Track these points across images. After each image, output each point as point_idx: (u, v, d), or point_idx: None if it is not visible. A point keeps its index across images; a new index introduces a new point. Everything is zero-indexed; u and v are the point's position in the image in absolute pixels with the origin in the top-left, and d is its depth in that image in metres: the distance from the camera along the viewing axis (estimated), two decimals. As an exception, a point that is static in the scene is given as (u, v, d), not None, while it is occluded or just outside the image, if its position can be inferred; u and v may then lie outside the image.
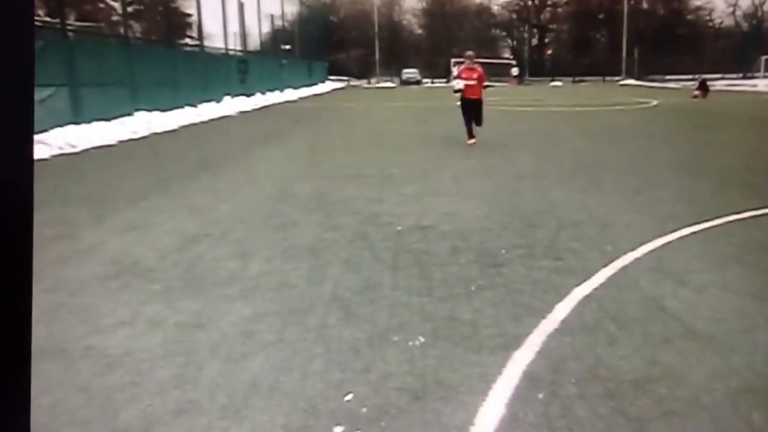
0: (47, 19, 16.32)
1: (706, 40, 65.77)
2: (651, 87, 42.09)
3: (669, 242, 5.03)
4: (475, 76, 11.53)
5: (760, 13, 66.97)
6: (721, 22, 69.08)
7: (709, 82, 28.65)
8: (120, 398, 2.73)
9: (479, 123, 11.70)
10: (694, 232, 5.31)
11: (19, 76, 0.62)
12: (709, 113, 19.82)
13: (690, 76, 43.21)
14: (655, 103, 24.69)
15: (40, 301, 3.84)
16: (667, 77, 51.32)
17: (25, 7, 0.62)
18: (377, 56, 65.24)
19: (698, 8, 68.63)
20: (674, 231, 5.31)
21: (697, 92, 27.44)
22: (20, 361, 0.65)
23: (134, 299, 3.94)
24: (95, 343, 3.29)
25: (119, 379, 2.90)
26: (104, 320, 3.60)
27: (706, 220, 5.63)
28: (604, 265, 4.41)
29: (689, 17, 69.35)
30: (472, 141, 11.52)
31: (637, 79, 53.26)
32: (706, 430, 2.41)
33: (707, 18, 69.34)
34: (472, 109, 11.56)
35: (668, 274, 4.23)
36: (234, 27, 30.44)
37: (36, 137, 10.97)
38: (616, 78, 56.73)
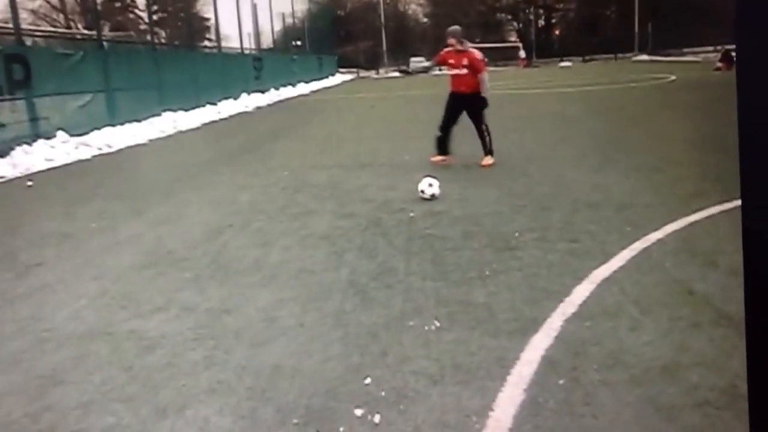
0: (85, 31, 17.09)
1: (728, 9, 64.10)
2: (667, 61, 41.14)
3: (696, 221, 4.84)
4: (464, 62, 7.84)
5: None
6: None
7: (733, 53, 27.86)
8: (159, 377, 2.87)
9: (480, 131, 8.00)
10: (723, 211, 5.05)
11: None
12: (732, 86, 19.30)
13: (711, 48, 41.98)
14: (672, 78, 24.19)
15: (89, 287, 4.20)
16: (685, 50, 50.11)
17: None
18: (384, 47, 65.25)
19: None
20: (701, 210, 5.09)
21: (720, 64, 26.17)
22: None
23: (168, 286, 4.15)
24: (136, 327, 3.47)
25: (157, 359, 3.05)
26: (142, 306, 3.81)
27: (737, 199, 5.42)
28: (624, 247, 4.28)
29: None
30: (440, 158, 8.13)
31: (652, 54, 52.13)
32: (746, 422, 2.29)
33: (730, -18, 67.78)
34: (461, 110, 8.03)
35: (696, 256, 4.06)
36: (248, 27, 31.27)
37: (78, 139, 12.11)
38: (629, 54, 55.80)
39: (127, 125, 14.44)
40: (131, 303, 3.86)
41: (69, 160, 10.89)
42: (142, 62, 17.58)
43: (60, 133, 11.84)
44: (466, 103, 7.91)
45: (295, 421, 2.43)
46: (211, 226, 5.67)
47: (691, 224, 4.80)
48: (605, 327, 3.08)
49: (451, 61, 7.96)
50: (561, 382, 2.59)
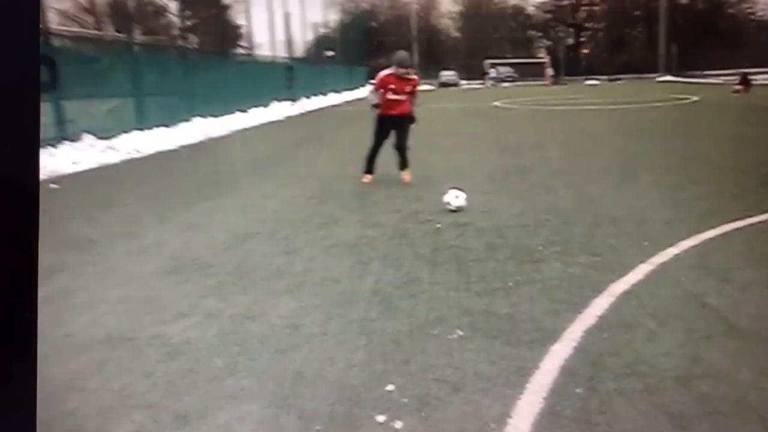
0: (116, 34, 17.15)
1: (748, 34, 64.08)
2: (690, 83, 41.16)
3: (711, 238, 4.95)
4: (407, 89, 7.79)
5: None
6: (764, 15, 67.36)
7: (750, 77, 27.88)
8: (181, 384, 2.88)
9: (402, 149, 7.99)
10: (737, 228, 5.21)
11: (25, 86, 0.63)
12: (751, 108, 19.37)
13: (731, 71, 42.09)
14: (694, 99, 24.19)
15: (112, 293, 4.17)
16: (707, 73, 50.11)
17: (31, 21, 0.63)
18: (416, 59, 65.60)
19: (740, 1, 67.06)
20: (716, 227, 5.22)
21: (738, 87, 26.76)
22: (25, 361, 0.68)
23: (192, 293, 4.15)
24: (158, 333, 3.48)
25: (180, 366, 3.06)
26: (166, 312, 3.81)
27: (749, 216, 5.53)
28: (642, 262, 4.37)
29: (730, 11, 67.78)
30: (368, 179, 8.12)
31: (676, 75, 52.16)
32: (754, 429, 2.38)
33: (749, 11, 67.69)
34: (390, 129, 7.95)
35: (710, 271, 4.16)
36: (281, 36, 31.50)
37: (105, 143, 12.00)
38: (654, 75, 55.69)
39: (156, 130, 14.37)
40: (154, 309, 3.87)
41: (95, 164, 10.81)
42: (173, 68, 17.56)
43: (87, 137, 11.79)
44: (398, 123, 7.91)
45: (317, 427, 2.46)
46: (237, 234, 5.70)
47: (707, 240, 4.89)
48: (623, 338, 3.16)
49: (392, 86, 7.77)
50: (578, 390, 2.66)
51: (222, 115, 18.42)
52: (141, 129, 13.98)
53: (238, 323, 3.59)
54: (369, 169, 8.16)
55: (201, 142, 14.73)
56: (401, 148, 7.96)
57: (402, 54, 7.90)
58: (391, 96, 7.78)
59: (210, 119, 17.27)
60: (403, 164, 8.01)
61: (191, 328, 3.55)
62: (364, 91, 45.00)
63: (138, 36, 20.87)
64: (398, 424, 2.46)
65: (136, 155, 12.19)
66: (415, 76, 7.99)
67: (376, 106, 8.00)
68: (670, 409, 2.50)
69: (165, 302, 3.98)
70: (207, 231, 5.91)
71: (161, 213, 6.72)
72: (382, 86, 7.85)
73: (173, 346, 3.30)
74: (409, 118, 7.91)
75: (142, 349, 3.27)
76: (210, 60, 22.68)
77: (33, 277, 0.68)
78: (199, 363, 3.09)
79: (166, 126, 15.03)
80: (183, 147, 13.75)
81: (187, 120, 16.25)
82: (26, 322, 0.68)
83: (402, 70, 7.72)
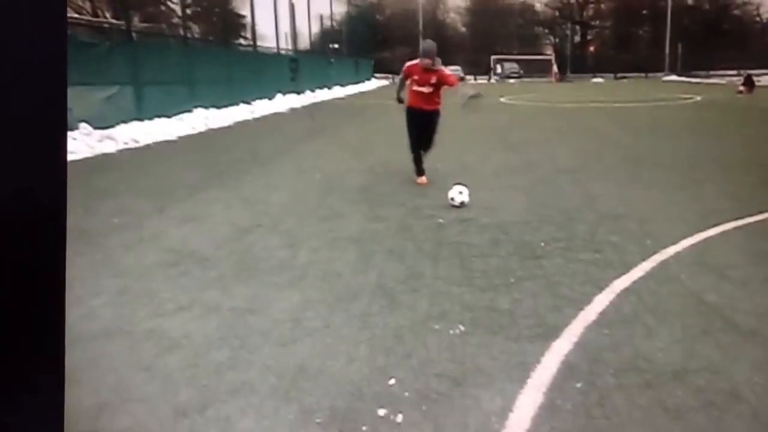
0: (113, 21, 16.89)
1: (753, 36, 64.02)
2: (695, 83, 41.14)
3: (710, 237, 5.00)
4: (432, 80, 7.31)
5: (810, 7, 64.94)
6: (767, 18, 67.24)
7: (754, 78, 27.88)
8: (180, 378, 2.88)
9: (428, 147, 7.73)
10: (736, 227, 5.26)
11: (52, 79, 0.63)
12: (754, 109, 19.36)
13: (735, 72, 42.08)
14: (698, 98, 24.18)
15: (108, 285, 4.14)
16: (711, 73, 50.09)
17: (58, 16, 0.64)
18: (420, 54, 65.33)
19: (745, 3, 66.99)
20: (716, 226, 5.27)
21: (742, 88, 26.83)
22: (54, 359, 0.69)
23: (192, 285, 4.14)
24: (156, 326, 3.46)
25: (179, 360, 3.06)
26: (164, 305, 3.79)
27: (749, 215, 5.57)
28: (644, 259, 4.42)
29: (735, 12, 67.70)
30: (423, 180, 7.66)
31: (681, 75, 52.12)
32: (747, 422, 2.43)
33: (754, 13, 67.58)
34: (423, 126, 7.55)
35: (709, 269, 4.22)
36: (285, 27, 31.19)
37: (102, 132, 11.75)
38: (659, 74, 55.63)
39: (155, 120, 14.07)
40: (152, 302, 3.83)
41: (92, 154, 10.68)
42: (174, 56, 17.20)
43: (83, 125, 11.53)
44: (427, 119, 7.52)
45: (318, 420, 2.48)
46: (239, 226, 5.67)
47: (707, 239, 4.94)
48: (622, 334, 3.21)
49: (416, 77, 7.40)
50: (578, 385, 2.71)
51: (225, 106, 18.12)
52: (140, 119, 13.70)
53: (240, 316, 3.58)
54: (419, 170, 7.72)
55: (202, 133, 14.56)
56: (426, 146, 7.67)
57: (428, 43, 7.49)
58: (415, 87, 7.44)
59: (212, 110, 16.98)
60: (420, 165, 7.74)
61: (190, 321, 3.52)
62: (370, 85, 44.98)
63: (137, 23, 20.65)
64: (399, 418, 2.49)
65: (135, 145, 11.98)
66: (440, 67, 7.41)
67: (399, 100, 7.78)
68: (666, 402, 2.55)
69: (163, 295, 3.94)
70: (208, 223, 5.88)
71: (160, 204, 6.67)
72: (407, 77, 7.57)
73: (172, 340, 3.27)
74: (435, 115, 7.54)
75: (140, 343, 3.25)
76: (212, 50, 22.28)
77: (61, 276, 0.67)
78: (199, 357, 3.08)
79: (167, 116, 14.76)
80: (183, 137, 13.58)
81: (188, 110, 15.96)
82: (56, 320, 0.68)
83: (427, 61, 7.25)
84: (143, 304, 3.81)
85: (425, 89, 7.37)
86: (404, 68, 7.60)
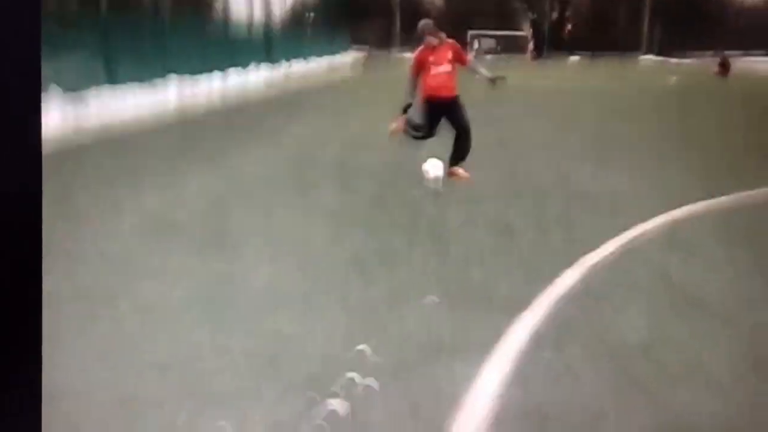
0: None
1: (731, 17, 64.53)
2: (671, 64, 41.46)
3: (679, 216, 5.11)
4: (449, 55, 6.51)
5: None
6: (744, 0, 67.83)
7: (731, 59, 28.10)
8: (158, 338, 2.94)
9: (463, 136, 6.46)
10: (705, 207, 5.38)
11: (26, 74, 0.62)
12: (728, 90, 19.62)
13: (711, 53, 42.43)
14: (674, 79, 24.39)
15: (85, 250, 4.15)
16: (688, 53, 50.48)
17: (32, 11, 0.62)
18: (397, 27, 64.97)
19: (722, -16, 67.47)
20: (686, 205, 5.38)
21: (717, 69, 27.06)
22: (30, 357, 0.67)
23: (168, 253, 4.17)
24: (133, 290, 3.49)
25: (154, 321, 3.13)
26: (141, 270, 3.83)
27: (717, 196, 5.69)
28: (615, 236, 4.50)
29: (714, -7, 68.15)
30: (463, 172, 6.42)
31: (658, 55, 52.47)
32: (707, 395, 2.52)
33: (732, -5, 68.07)
34: (441, 115, 6.53)
35: (678, 247, 4.34)
36: None
37: (74, 96, 11.21)
38: (636, 54, 55.92)
39: (128, 90, 13.63)
40: (128, 267, 3.86)
41: (61, 119, 10.16)
42: (145, 25, 16.96)
43: (53, 88, 10.75)
44: (450, 108, 6.51)
45: (295, 386, 2.52)
46: (216, 197, 5.68)
47: (676, 219, 5.05)
48: (591, 308, 3.30)
49: (432, 58, 6.47)
50: (547, 355, 2.79)
51: (199, 76, 17.64)
52: (112, 87, 13.25)
53: (216, 285, 3.60)
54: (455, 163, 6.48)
55: (176, 105, 14.35)
56: (461, 134, 6.48)
57: (424, 22, 6.74)
58: (433, 71, 6.45)
59: (187, 81, 16.53)
60: (459, 155, 6.50)
61: (167, 287, 3.54)
62: (346, 57, 44.48)
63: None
64: (374, 383, 2.54)
65: (107, 114, 11.66)
66: (452, 43, 6.70)
67: (405, 110, 6.64)
68: (632, 373, 2.65)
69: (139, 262, 3.96)
70: (184, 193, 5.88)
71: (135, 174, 6.57)
72: (421, 66, 6.53)
73: (148, 302, 3.32)
74: (459, 102, 6.57)
75: (118, 306, 3.28)
76: (184, 18, 21.09)
77: (37, 275, 0.65)
78: (175, 320, 3.13)
79: (140, 84, 14.29)
80: (156, 107, 13.36)
81: (161, 79, 15.51)
82: (31, 321, 0.67)
83: (432, 39, 6.48)
84: (120, 269, 3.84)
85: (445, 68, 6.47)
86: (415, 59, 6.68)
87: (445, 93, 6.47)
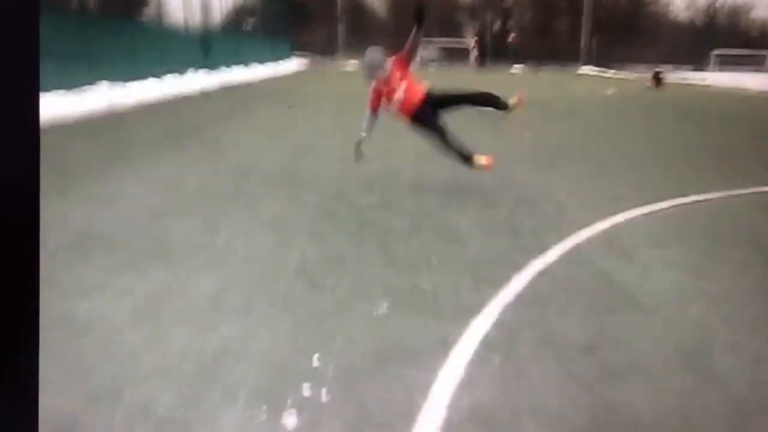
0: None
1: (663, 33, 67.20)
2: (607, 76, 42.85)
3: (619, 222, 5.30)
4: (399, 75, 6.22)
5: (712, 10, 68.89)
6: (677, 16, 70.87)
7: (663, 74, 29.20)
8: (92, 362, 2.83)
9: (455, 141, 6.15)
10: (642, 214, 5.59)
11: (22, 74, 0.62)
12: (659, 103, 20.32)
13: (646, 66, 44.00)
14: (610, 92, 25.19)
15: None
16: (624, 67, 52.18)
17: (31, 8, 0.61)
18: (340, 36, 65.14)
19: (656, 1, 70.39)
20: (624, 211, 5.59)
21: (649, 83, 28.16)
22: (27, 359, 0.66)
23: (100, 270, 3.98)
24: (65, 311, 3.32)
25: (90, 343, 3.01)
26: (71, 289, 3.64)
27: (653, 202, 5.93)
28: (559, 242, 4.65)
29: (650, 9, 70.85)
30: (483, 159, 6.08)
31: (595, 67, 54.06)
32: (644, 389, 2.64)
33: (664, 12, 71.01)
34: (432, 121, 6.20)
35: (618, 251, 4.50)
36: (196, 1, 29.94)
37: None
38: (575, 65, 57.47)
39: (51, 95, 13.01)
40: (57, 286, 3.64)
41: None
42: (70, 27, 15.90)
43: None
44: (427, 111, 6.21)
45: (241, 401, 2.49)
46: (151, 209, 5.47)
47: (616, 224, 5.24)
48: (538, 312, 3.39)
49: (387, 88, 6.22)
50: (497, 360, 2.85)
51: (130, 82, 17.01)
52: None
53: (155, 301, 3.48)
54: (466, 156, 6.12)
55: (105, 111, 13.89)
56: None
57: (371, 58, 6.32)
58: (397, 96, 6.19)
59: (117, 87, 15.96)
60: (459, 147, 6.17)
61: (101, 306, 3.39)
62: (287, 65, 43.95)
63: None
64: (323, 395, 2.54)
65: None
66: (393, 56, 6.30)
67: (358, 153, 6.52)
68: (577, 374, 2.74)
69: (69, 279, 3.77)
70: (116, 205, 5.63)
71: (60, 184, 6.25)
72: (377, 100, 6.36)
73: (82, 324, 3.16)
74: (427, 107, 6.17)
75: (45, 329, 3.14)
76: (113, 22, 20.07)
77: (35, 275, 0.64)
78: (112, 342, 3.00)
79: (65, 90, 13.74)
80: (84, 114, 12.94)
81: (89, 85, 14.97)
82: (28, 319, 0.66)
83: (382, 72, 6.19)
84: (47, 288, 3.59)
85: (402, 89, 6.19)
86: (371, 94, 6.40)
87: (416, 107, 6.18)
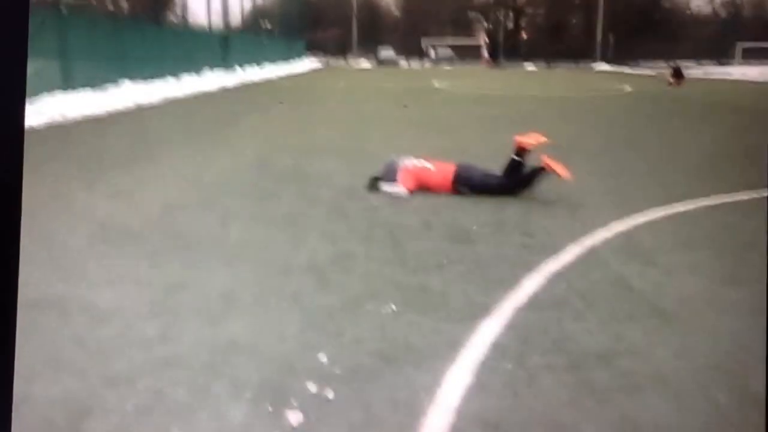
0: None
1: (683, 27, 66.48)
2: (625, 73, 42.28)
3: (639, 224, 5.13)
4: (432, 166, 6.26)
5: (737, 1, 67.94)
6: (698, 9, 70.17)
7: (684, 69, 28.75)
8: (110, 348, 2.88)
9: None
10: (664, 215, 5.41)
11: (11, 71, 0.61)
12: (682, 100, 20.07)
13: (665, 63, 43.46)
14: (629, 89, 24.92)
15: (36, 257, 4.07)
16: (642, 63, 51.64)
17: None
18: (354, 36, 65.35)
19: (674, -6, 69.80)
20: (644, 212, 5.42)
21: (671, 79, 27.65)
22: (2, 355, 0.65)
23: (122, 261, 4.11)
24: (87, 300, 3.42)
25: (109, 332, 3.03)
26: (95, 279, 3.77)
27: (674, 203, 5.75)
28: (574, 244, 4.50)
29: (666, 4, 70.22)
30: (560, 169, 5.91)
31: (612, 64, 53.58)
32: (667, 403, 2.49)
33: (684, 5, 70.27)
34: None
35: (637, 255, 4.33)
36: (217, 4, 30.59)
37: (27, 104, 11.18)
38: (590, 63, 57.05)
39: (83, 94, 13.93)
40: (82, 276, 3.80)
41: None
42: (103, 32, 17.06)
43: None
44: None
45: (248, 395, 2.47)
46: (171, 203, 5.62)
47: (635, 226, 5.07)
48: (552, 316, 3.26)
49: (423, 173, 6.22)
50: (508, 366, 2.73)
51: (154, 82, 18.00)
52: (67, 92, 13.52)
53: (171, 292, 3.55)
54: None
55: (131, 110, 14.26)
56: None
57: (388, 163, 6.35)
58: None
59: (141, 86, 16.83)
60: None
61: (121, 296, 3.49)
62: (303, 65, 44.39)
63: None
64: (330, 394, 2.49)
65: (61, 120, 11.72)
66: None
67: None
68: (593, 383, 2.60)
69: (93, 270, 3.90)
70: (138, 199, 5.81)
71: (89, 179, 6.52)
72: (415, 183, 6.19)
73: (103, 313, 3.24)
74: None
75: (71, 316, 3.22)
76: (142, 25, 21.63)
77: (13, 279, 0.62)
78: (130, 330, 3.06)
79: (95, 90, 14.64)
80: (112, 113, 13.31)
81: (117, 86, 15.87)
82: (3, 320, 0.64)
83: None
84: (73, 277, 3.78)
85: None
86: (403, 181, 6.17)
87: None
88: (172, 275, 3.83)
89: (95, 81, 14.89)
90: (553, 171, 5.88)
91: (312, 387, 2.54)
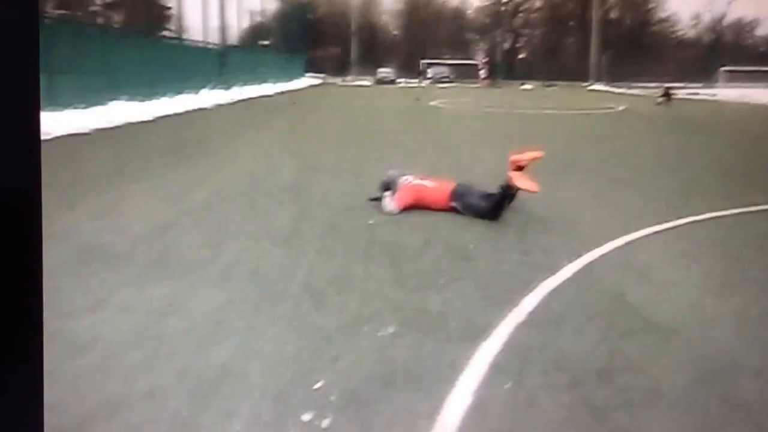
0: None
1: (670, 50, 68.07)
2: (617, 93, 42.86)
3: (634, 240, 5.14)
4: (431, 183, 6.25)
5: (719, 27, 69.78)
6: (684, 34, 72.17)
7: (672, 90, 29.40)
8: (88, 381, 2.72)
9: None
10: (656, 231, 5.43)
11: (23, 76, 0.61)
12: (671, 118, 20.25)
13: (655, 84, 44.17)
14: (621, 108, 25.13)
15: None
16: (633, 84, 52.24)
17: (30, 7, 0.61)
18: (353, 54, 65.81)
19: (662, 20, 71.72)
20: (639, 229, 5.42)
21: (660, 99, 28.30)
22: (31, 364, 0.68)
23: (105, 284, 3.91)
24: (65, 327, 3.22)
25: (88, 362, 2.90)
26: (74, 304, 3.55)
27: (667, 221, 5.76)
28: (571, 261, 4.49)
29: (654, 28, 71.96)
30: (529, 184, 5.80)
31: (605, 84, 54.18)
32: (665, 418, 2.49)
33: (671, 30, 72.25)
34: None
35: (632, 271, 4.35)
36: (214, 21, 30.65)
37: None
38: (585, 83, 57.61)
39: (68, 111, 13.26)
40: (61, 301, 3.54)
41: None
42: (91, 45, 16.50)
43: None
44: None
45: (237, 428, 2.37)
46: (158, 223, 5.44)
47: (630, 242, 5.08)
48: (550, 334, 3.25)
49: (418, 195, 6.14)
50: (507, 386, 2.71)
51: (146, 99, 17.41)
52: (51, 110, 12.71)
53: (158, 318, 3.39)
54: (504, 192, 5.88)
55: (120, 127, 13.80)
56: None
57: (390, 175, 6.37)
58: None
59: (133, 103, 16.29)
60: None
61: (102, 322, 3.32)
62: (301, 83, 44.47)
63: (50, 10, 19.59)
64: (325, 423, 2.41)
65: (44, 137, 11.47)
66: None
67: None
68: (591, 401, 2.59)
69: (73, 294, 3.68)
70: (124, 219, 5.59)
71: (70, 199, 6.24)
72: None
73: (82, 342, 3.06)
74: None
75: (46, 344, 3.07)
76: (133, 40, 21.02)
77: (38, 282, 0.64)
78: (110, 359, 2.90)
79: (82, 107, 14.06)
80: (99, 130, 12.88)
81: (105, 102, 15.31)
82: (31, 323, 0.67)
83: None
84: (50, 303, 3.53)
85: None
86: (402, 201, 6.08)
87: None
88: (158, 298, 3.67)
89: (83, 99, 14.38)
90: (520, 188, 5.76)
91: (307, 415, 2.45)
